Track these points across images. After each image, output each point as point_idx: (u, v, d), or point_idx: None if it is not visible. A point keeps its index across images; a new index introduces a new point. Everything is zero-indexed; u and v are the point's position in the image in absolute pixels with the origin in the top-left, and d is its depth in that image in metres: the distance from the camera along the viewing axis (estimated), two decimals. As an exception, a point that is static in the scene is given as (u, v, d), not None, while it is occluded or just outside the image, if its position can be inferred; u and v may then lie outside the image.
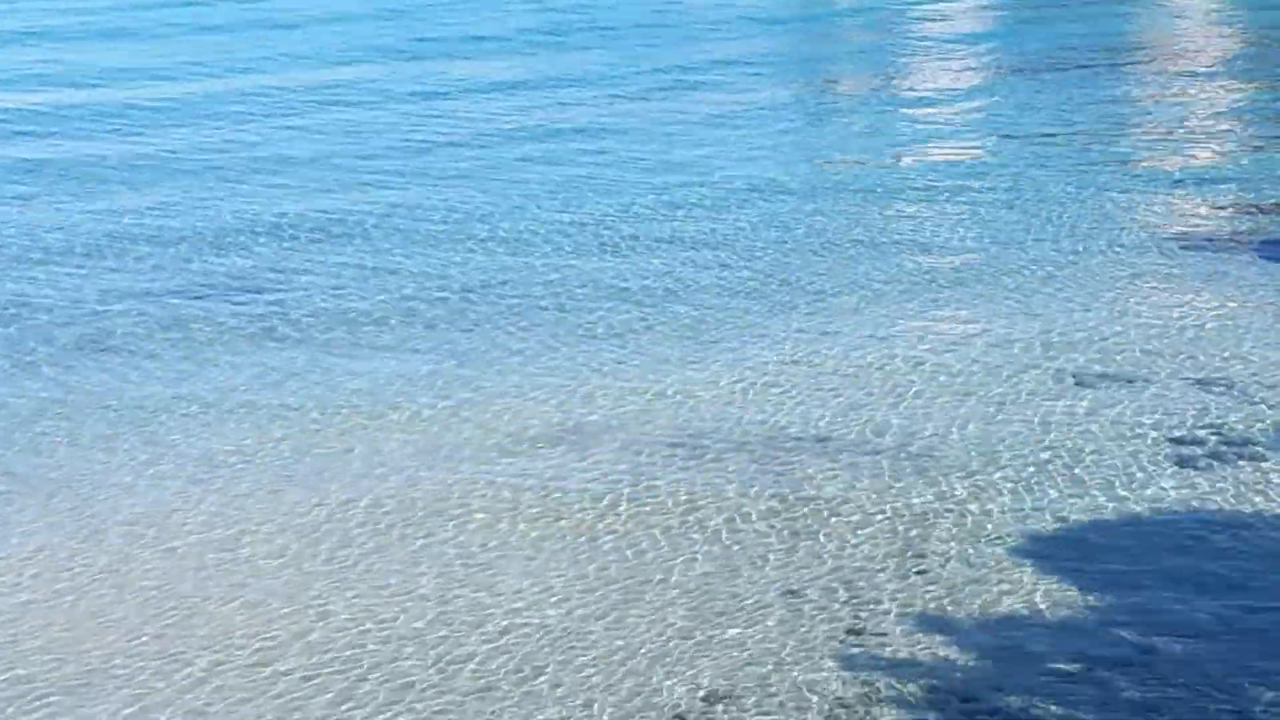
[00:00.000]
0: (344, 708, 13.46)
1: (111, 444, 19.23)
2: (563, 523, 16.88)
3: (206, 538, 16.67)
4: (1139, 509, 16.85)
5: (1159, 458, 18.10)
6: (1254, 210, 27.93)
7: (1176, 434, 18.74)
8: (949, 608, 14.88)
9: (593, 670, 13.90)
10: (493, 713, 13.30)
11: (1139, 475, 17.63)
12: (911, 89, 41.04)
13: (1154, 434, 18.76)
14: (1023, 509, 16.93)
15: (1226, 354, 21.22)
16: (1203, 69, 41.51)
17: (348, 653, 14.31)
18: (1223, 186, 29.50)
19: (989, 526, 16.54)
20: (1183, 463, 17.92)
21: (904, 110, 37.93)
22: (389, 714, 13.36)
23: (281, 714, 13.43)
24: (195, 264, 26.43)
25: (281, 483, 17.99)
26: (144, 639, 14.63)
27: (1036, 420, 19.31)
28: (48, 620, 15.04)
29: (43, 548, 16.55)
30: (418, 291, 24.81)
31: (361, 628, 14.72)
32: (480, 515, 17.06)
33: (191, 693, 13.76)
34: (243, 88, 41.09)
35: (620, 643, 14.37)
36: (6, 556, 16.40)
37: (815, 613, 14.84)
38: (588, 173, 31.59)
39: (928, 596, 15.08)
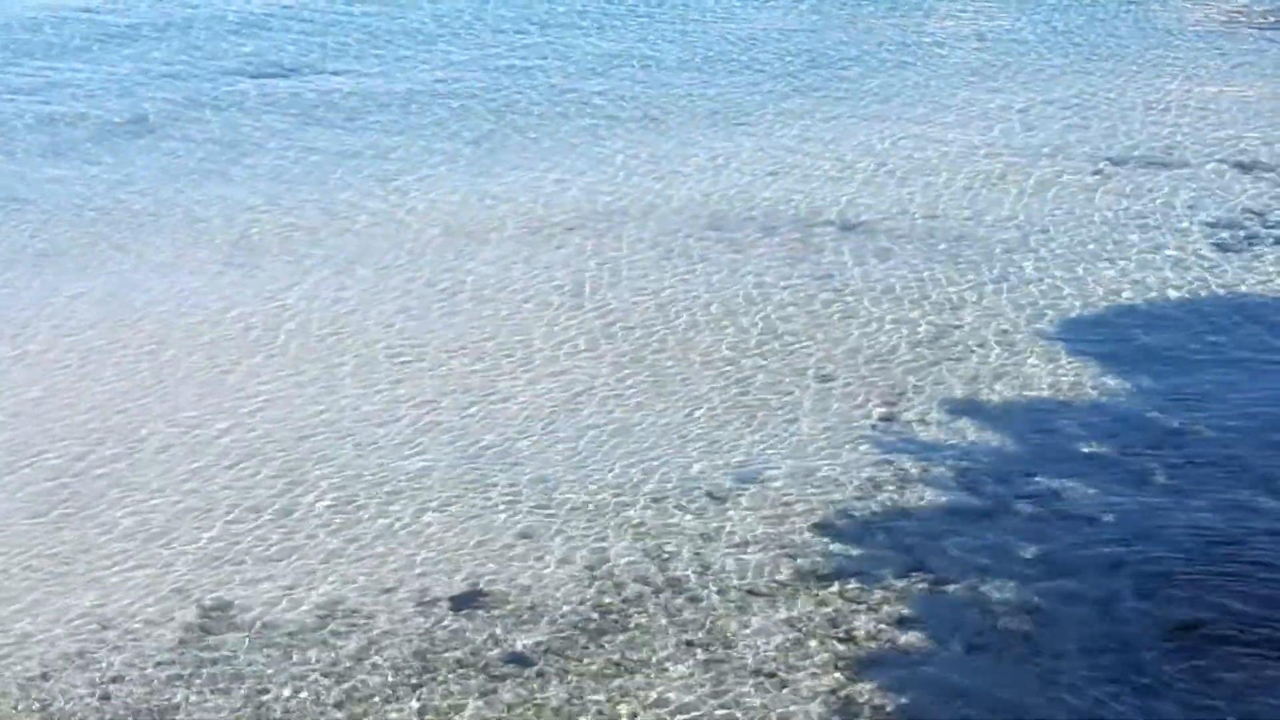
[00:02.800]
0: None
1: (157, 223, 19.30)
2: (588, 307, 16.85)
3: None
4: (1175, 292, 16.73)
5: (1196, 241, 17.93)
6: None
7: (1214, 217, 18.55)
8: (981, 391, 14.86)
9: (632, 451, 13.94)
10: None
11: (1176, 258, 17.48)
12: None
13: (1191, 217, 18.58)
14: (1056, 292, 16.83)
15: (1265, 138, 20.93)
16: None
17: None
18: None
19: (1021, 310, 16.45)
20: (1221, 246, 17.76)
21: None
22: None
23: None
24: (226, 47, 26.22)
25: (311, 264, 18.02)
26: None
27: (1071, 204, 19.15)
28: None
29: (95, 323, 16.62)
30: (450, 79, 24.60)
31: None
32: (507, 297, 17.07)
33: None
34: None
35: (652, 426, 14.40)
36: (61, 323, 16.49)
37: (847, 397, 14.84)
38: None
39: (959, 380, 15.05)
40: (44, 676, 11.19)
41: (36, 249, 18.95)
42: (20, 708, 10.91)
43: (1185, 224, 18.41)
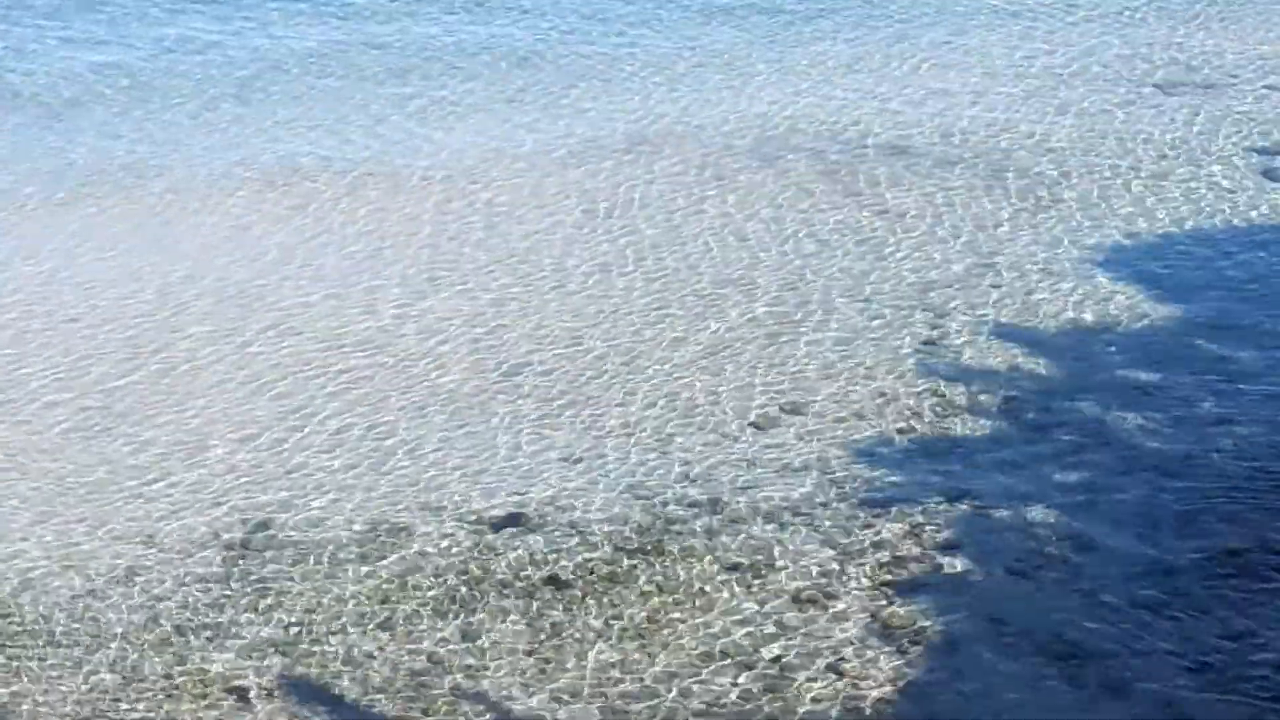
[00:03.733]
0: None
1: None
2: (620, 228, 16.84)
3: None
4: (1221, 219, 16.61)
5: (1243, 167, 17.78)
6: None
7: (1263, 144, 18.39)
8: (1023, 318, 14.80)
9: (672, 374, 13.96)
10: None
11: (1222, 185, 17.35)
12: None
13: (1239, 144, 18.42)
14: (1101, 217, 16.73)
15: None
16: None
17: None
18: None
19: (1066, 235, 16.36)
20: (1268, 173, 17.61)
21: None
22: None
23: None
24: None
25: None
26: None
27: (1118, 129, 18.99)
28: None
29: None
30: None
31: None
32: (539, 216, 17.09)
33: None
34: None
35: (693, 349, 14.40)
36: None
37: (889, 322, 14.80)
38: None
39: (1002, 306, 15.00)
40: (92, 594, 11.31)
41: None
42: (70, 623, 11.03)
43: (1232, 150, 18.25)
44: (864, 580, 11.16)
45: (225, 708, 10.14)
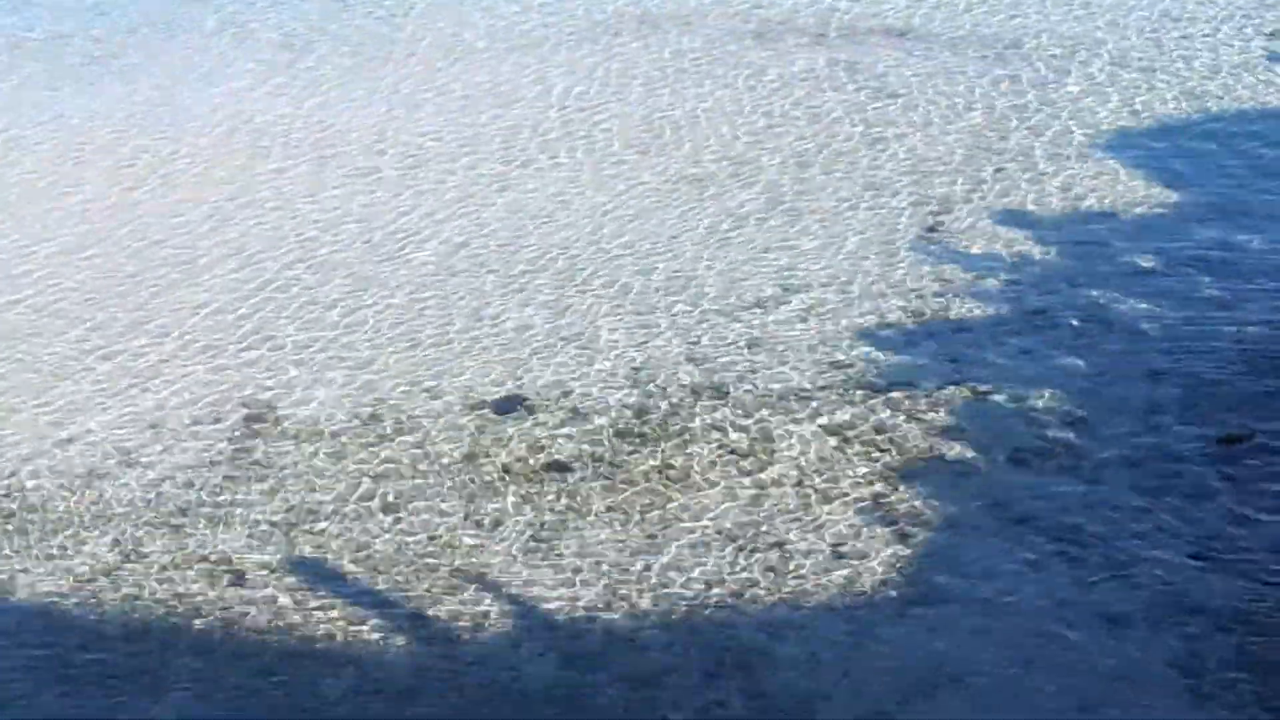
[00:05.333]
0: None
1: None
2: (635, 112, 16.73)
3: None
4: (1227, 103, 16.48)
5: (1254, 53, 17.62)
6: None
7: (1269, 29, 18.22)
8: (1027, 204, 14.73)
9: (676, 257, 13.92)
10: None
11: (1231, 71, 17.20)
12: None
13: (1246, 28, 18.25)
14: (1106, 103, 16.61)
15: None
16: None
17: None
18: None
19: (1070, 122, 16.25)
20: (1274, 57, 17.45)
21: None
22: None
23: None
24: None
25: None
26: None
27: (1122, 12, 18.80)
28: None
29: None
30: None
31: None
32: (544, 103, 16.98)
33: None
34: None
35: (696, 232, 14.35)
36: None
37: (894, 206, 14.73)
38: None
39: (1006, 194, 14.92)
40: (96, 474, 11.33)
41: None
42: (75, 503, 11.06)
43: (1243, 36, 18.08)
44: (865, 464, 11.18)
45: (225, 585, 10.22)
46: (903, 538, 10.45)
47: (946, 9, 19.06)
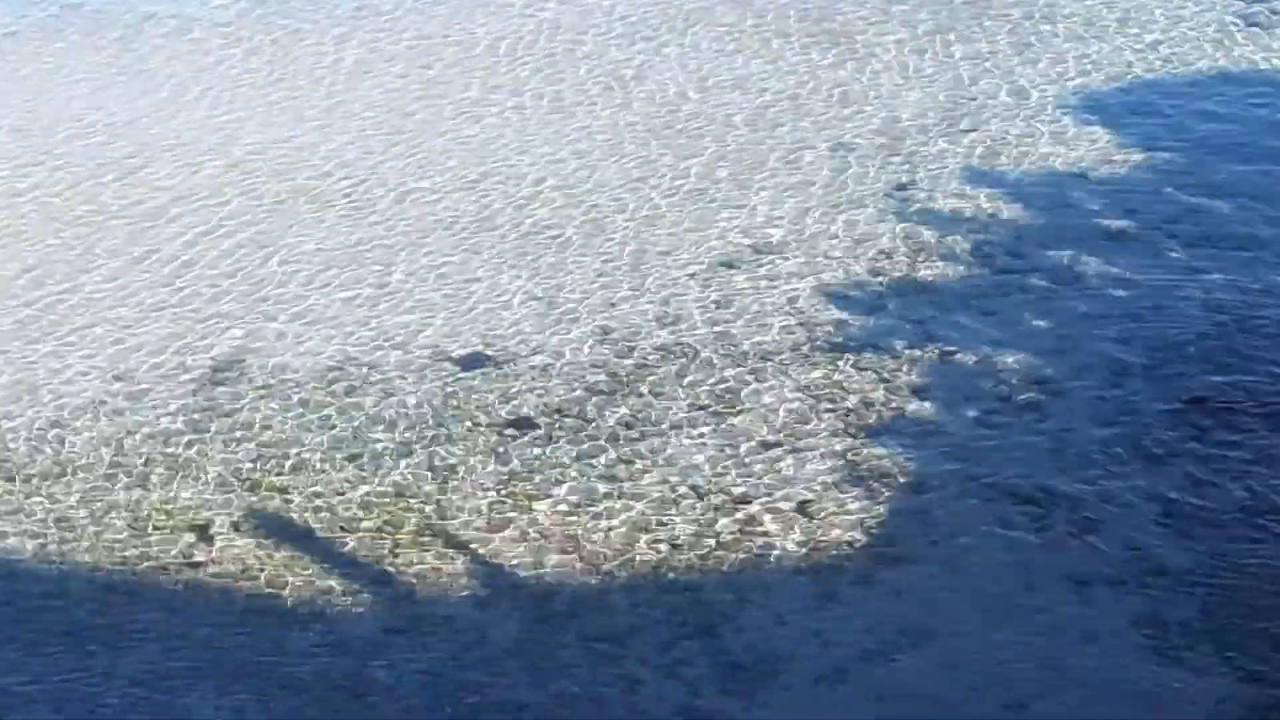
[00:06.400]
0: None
1: None
2: (629, 90, 16.68)
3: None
4: (1200, 67, 16.45)
5: (1225, 14, 17.60)
6: None
7: (1241, -8, 18.22)
8: (998, 164, 14.70)
9: (646, 217, 13.88)
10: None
11: (1202, 33, 17.16)
12: None
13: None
14: (1077, 62, 16.57)
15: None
16: None
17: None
18: None
19: (1039, 82, 16.22)
20: (1249, 20, 17.43)
21: None
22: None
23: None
24: None
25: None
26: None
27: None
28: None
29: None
30: None
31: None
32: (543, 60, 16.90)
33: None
34: None
35: (666, 192, 14.32)
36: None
37: (864, 166, 14.70)
38: None
39: (976, 153, 14.88)
40: (57, 424, 11.28)
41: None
42: (34, 454, 11.00)
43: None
44: (832, 423, 11.18)
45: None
46: (870, 496, 10.46)
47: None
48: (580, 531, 10.24)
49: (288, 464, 10.87)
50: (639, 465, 10.80)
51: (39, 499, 10.59)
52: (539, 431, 11.15)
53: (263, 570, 9.96)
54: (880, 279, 12.94)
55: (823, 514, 10.33)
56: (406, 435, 11.14)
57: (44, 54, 17.64)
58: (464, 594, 9.78)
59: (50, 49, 17.77)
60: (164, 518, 10.38)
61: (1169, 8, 17.81)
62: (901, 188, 14.33)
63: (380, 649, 9.36)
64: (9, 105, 16.42)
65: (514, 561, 10.01)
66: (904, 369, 11.75)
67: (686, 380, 11.67)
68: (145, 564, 10.01)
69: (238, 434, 11.17)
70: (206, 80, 16.80)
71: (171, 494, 10.60)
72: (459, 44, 17.51)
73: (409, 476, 10.74)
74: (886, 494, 10.49)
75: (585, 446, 10.98)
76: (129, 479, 10.75)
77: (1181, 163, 14.58)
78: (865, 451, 10.89)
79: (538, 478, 10.71)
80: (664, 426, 11.17)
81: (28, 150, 15.39)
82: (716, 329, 12.29)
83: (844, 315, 12.44)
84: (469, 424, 11.23)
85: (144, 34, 17.98)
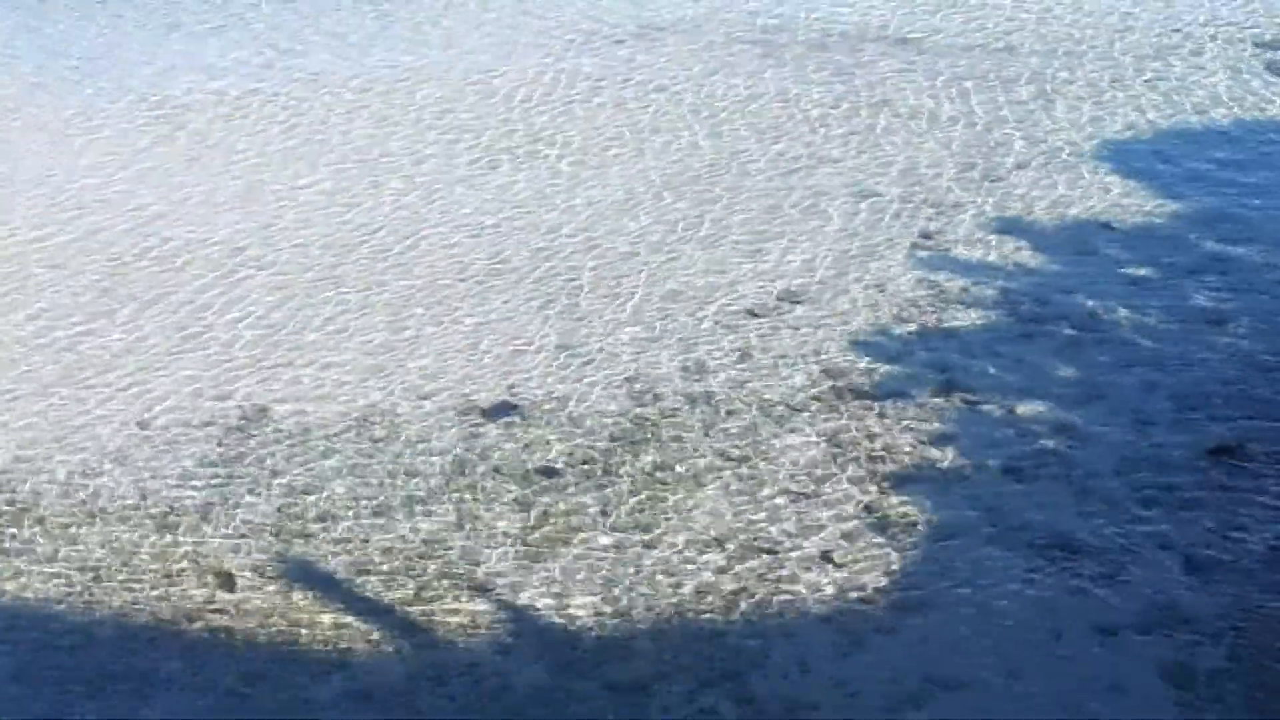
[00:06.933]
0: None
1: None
2: (633, 113, 16.72)
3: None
4: (1223, 115, 16.49)
5: (1249, 61, 17.63)
6: None
7: (1267, 37, 18.23)
8: (1022, 213, 14.73)
9: (670, 266, 13.90)
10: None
11: (1225, 80, 17.20)
12: None
13: (1244, 38, 18.26)
14: (1102, 113, 16.61)
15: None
16: None
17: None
18: None
19: (1065, 129, 16.26)
20: (1271, 68, 17.46)
21: None
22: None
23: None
24: None
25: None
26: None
27: (1119, 21, 18.82)
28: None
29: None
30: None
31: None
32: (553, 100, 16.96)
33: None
34: None
35: (691, 240, 14.34)
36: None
37: (888, 215, 14.73)
38: None
39: (1001, 201, 14.92)
40: (85, 473, 11.30)
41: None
42: (63, 500, 11.02)
43: (1237, 44, 18.09)
44: (857, 471, 11.16)
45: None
46: (894, 545, 10.44)
47: (940, 19, 19.03)
48: (604, 578, 10.22)
49: (313, 513, 10.87)
50: (663, 513, 10.79)
51: (66, 546, 10.60)
52: (564, 479, 11.14)
53: (286, 617, 9.96)
54: (906, 327, 12.94)
55: (848, 562, 10.31)
56: (430, 486, 11.14)
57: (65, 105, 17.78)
58: (488, 641, 9.77)
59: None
60: (188, 565, 10.39)
61: (1187, 55, 17.85)
62: (927, 235, 14.34)
63: (404, 697, 9.34)
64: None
65: (538, 608, 9.99)
66: (929, 417, 11.74)
67: (711, 428, 11.66)
68: (169, 611, 10.01)
69: (263, 484, 11.18)
70: (226, 130, 16.91)
71: (198, 540, 10.61)
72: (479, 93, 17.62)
73: (434, 524, 10.75)
74: (911, 542, 10.46)
75: (609, 495, 10.97)
76: (154, 524, 10.77)
77: (1203, 210, 14.61)
78: (890, 499, 10.87)
79: (561, 523, 10.71)
80: (688, 474, 11.17)
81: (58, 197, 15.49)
82: (741, 377, 12.29)
83: (869, 363, 12.49)
84: (494, 473, 11.22)
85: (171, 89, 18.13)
